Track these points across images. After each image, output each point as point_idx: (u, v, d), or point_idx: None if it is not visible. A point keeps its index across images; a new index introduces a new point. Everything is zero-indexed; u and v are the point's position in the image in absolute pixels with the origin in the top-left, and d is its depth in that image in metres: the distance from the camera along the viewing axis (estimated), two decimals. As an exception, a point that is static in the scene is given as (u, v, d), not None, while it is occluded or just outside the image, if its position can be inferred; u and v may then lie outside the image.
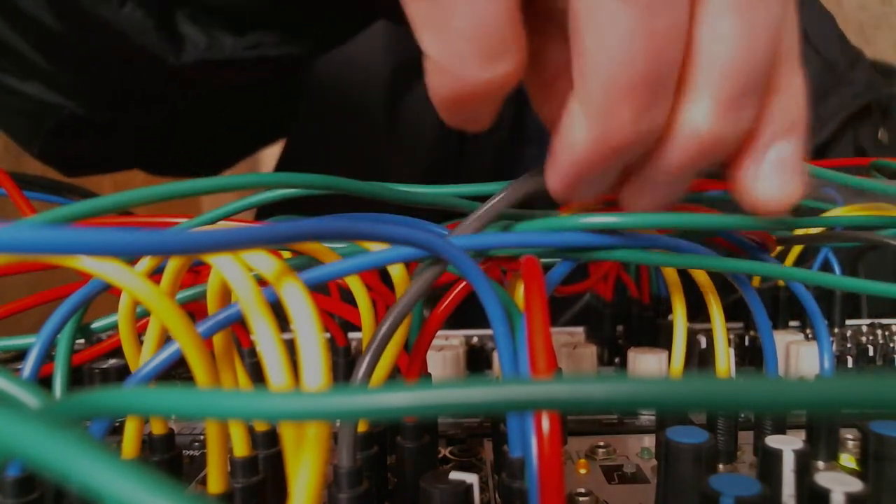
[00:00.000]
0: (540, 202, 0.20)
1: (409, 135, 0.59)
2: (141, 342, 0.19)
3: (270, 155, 1.33)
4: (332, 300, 0.26)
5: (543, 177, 0.19)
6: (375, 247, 0.19)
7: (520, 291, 0.20)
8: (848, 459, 0.23)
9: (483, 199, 0.23)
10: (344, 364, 0.29)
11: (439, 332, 0.22)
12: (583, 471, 0.23)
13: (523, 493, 0.16)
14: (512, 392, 0.07)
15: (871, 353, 0.32)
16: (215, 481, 0.16)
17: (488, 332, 0.38)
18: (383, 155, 0.59)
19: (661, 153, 0.18)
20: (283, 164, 0.69)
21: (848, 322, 0.39)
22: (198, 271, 0.26)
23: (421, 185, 0.24)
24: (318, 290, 0.17)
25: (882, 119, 0.59)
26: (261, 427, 0.20)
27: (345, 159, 0.62)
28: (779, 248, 0.25)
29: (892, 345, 0.33)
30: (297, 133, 0.67)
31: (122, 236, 0.09)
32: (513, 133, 0.58)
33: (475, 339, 0.38)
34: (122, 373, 0.30)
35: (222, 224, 0.21)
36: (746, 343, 0.35)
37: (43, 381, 0.19)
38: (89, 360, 0.29)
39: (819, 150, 0.56)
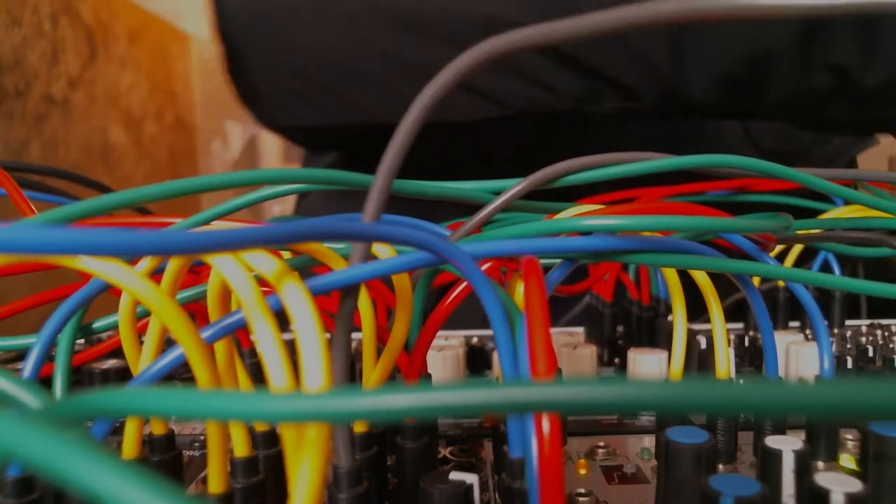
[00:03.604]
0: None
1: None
2: (141, 342, 0.19)
3: (270, 152, 1.33)
4: (332, 300, 0.26)
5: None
6: (376, 247, 0.19)
7: (520, 291, 0.20)
8: (848, 459, 0.23)
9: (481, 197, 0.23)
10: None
11: (439, 332, 0.21)
12: (583, 471, 0.23)
13: (523, 493, 0.16)
14: (512, 394, 0.07)
15: (870, 353, 0.32)
16: (215, 481, 0.16)
17: (488, 332, 0.38)
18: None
19: None
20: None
21: (848, 322, 0.39)
22: (198, 271, 0.26)
23: (426, 181, 0.25)
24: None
25: None
26: (261, 427, 0.20)
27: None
28: (779, 248, 0.25)
29: (891, 345, 0.33)
30: None
31: (122, 236, 0.09)
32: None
33: (475, 339, 0.38)
34: (122, 373, 0.30)
35: (218, 223, 0.21)
36: (746, 343, 0.35)
37: (43, 381, 0.19)
38: (89, 361, 0.29)
39: None
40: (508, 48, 0.15)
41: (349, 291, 0.16)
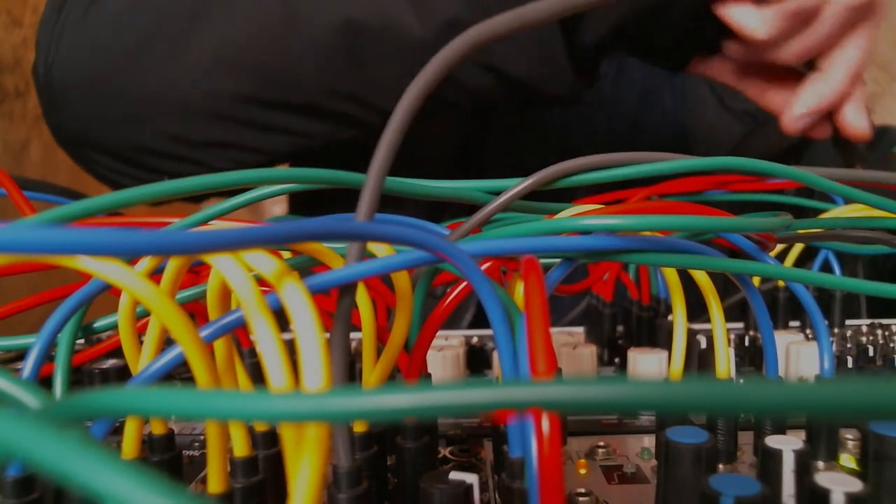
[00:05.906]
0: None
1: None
2: (141, 342, 0.19)
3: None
4: (332, 300, 0.26)
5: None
6: (376, 247, 0.19)
7: (520, 291, 0.20)
8: (848, 459, 0.23)
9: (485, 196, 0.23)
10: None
11: (439, 332, 0.21)
12: (583, 471, 0.23)
13: (523, 493, 0.16)
14: (512, 393, 0.07)
15: (871, 353, 0.32)
16: (215, 481, 0.16)
17: (488, 332, 0.38)
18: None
19: None
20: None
21: (848, 322, 0.39)
22: (197, 271, 0.26)
23: (422, 180, 0.25)
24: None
25: None
26: (261, 427, 0.20)
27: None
28: (780, 248, 0.25)
29: (892, 345, 0.33)
30: None
31: (122, 236, 0.09)
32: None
33: (475, 339, 0.38)
34: (122, 373, 0.30)
35: (216, 223, 0.21)
36: (746, 343, 0.35)
37: (43, 381, 0.19)
38: (89, 360, 0.29)
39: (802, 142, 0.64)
40: (492, 34, 0.15)
41: (346, 290, 0.16)
